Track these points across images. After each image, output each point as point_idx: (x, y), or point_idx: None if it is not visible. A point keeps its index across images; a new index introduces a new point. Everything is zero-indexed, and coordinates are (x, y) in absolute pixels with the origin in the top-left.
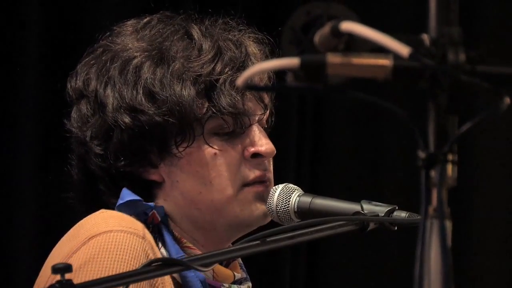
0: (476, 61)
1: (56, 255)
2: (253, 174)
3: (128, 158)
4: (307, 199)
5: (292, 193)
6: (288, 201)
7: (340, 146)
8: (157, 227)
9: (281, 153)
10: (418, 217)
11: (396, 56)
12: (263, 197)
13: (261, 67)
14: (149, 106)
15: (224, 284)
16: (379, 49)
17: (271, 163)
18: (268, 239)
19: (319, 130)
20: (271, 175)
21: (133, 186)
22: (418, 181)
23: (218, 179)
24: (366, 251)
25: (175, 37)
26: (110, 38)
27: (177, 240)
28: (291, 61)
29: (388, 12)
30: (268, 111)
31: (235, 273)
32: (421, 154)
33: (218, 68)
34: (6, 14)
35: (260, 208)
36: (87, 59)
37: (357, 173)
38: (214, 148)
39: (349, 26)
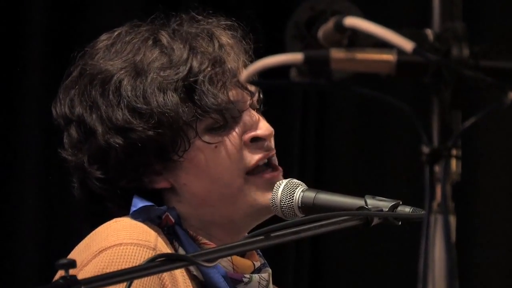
0: (480, 56)
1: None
2: (255, 157)
3: (130, 176)
4: (311, 194)
5: (296, 188)
6: (292, 196)
7: (344, 141)
8: (172, 228)
9: (285, 148)
10: (422, 212)
11: (400, 51)
12: (271, 184)
13: (264, 62)
14: (137, 123)
15: (245, 275)
16: (382, 44)
17: (272, 142)
18: (272, 235)
19: (323, 125)
20: (274, 153)
21: (143, 197)
22: (422, 176)
23: (224, 173)
24: (369, 246)
25: (146, 48)
26: (84, 60)
27: (192, 238)
28: (295, 57)
29: (392, 7)
30: (256, 94)
31: (254, 262)
32: (425, 149)
33: (194, 68)
34: (9, 14)
35: (268, 195)
36: (66, 83)
37: (361, 168)
38: (212, 143)
39: (353, 21)
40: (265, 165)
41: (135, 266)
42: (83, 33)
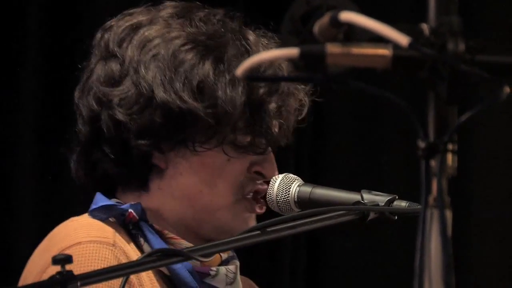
0: (475, 51)
1: (31, 270)
2: (253, 186)
3: (150, 138)
4: (307, 189)
5: (292, 183)
6: (288, 191)
7: (340, 136)
8: (137, 224)
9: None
10: (418, 206)
11: (396, 46)
12: (253, 211)
13: (261, 57)
14: (196, 100)
15: (212, 268)
16: (378, 39)
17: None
18: (268, 229)
19: (319, 120)
20: (266, 187)
21: (139, 163)
22: (418, 171)
23: (223, 185)
24: (366, 241)
25: (233, 40)
26: (150, 9)
27: (159, 233)
28: (291, 51)
29: (388, 2)
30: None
31: (222, 254)
32: (421, 144)
33: (272, 88)
34: (6, 14)
35: (249, 224)
36: (124, 17)
37: (357, 162)
38: (228, 155)
39: (349, 16)
40: (257, 198)
41: (131, 262)
42: (81, 33)
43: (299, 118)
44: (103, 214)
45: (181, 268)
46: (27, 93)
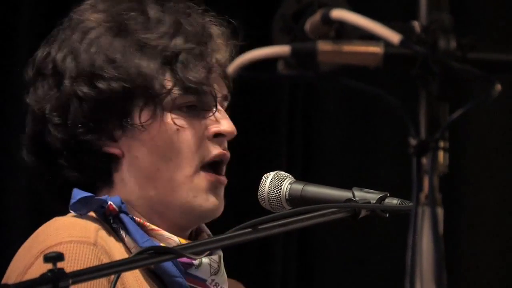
0: (467, 48)
1: (13, 270)
2: (214, 152)
3: (86, 127)
4: (298, 186)
5: (284, 180)
6: (280, 189)
7: (331, 133)
8: (117, 217)
9: (273, 141)
10: (410, 204)
11: (387, 44)
12: (215, 188)
13: (252, 55)
14: (107, 72)
15: (195, 259)
16: (370, 37)
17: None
18: (260, 227)
19: (310, 118)
20: (228, 156)
21: (92, 159)
22: (409, 168)
23: (178, 156)
24: (357, 239)
25: (134, 12)
26: (67, 18)
27: (140, 225)
28: (282, 49)
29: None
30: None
31: None
32: (413, 141)
33: (180, 41)
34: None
35: (211, 199)
36: (45, 43)
37: (348, 160)
38: (177, 125)
39: (340, 13)
40: (216, 166)
41: (123, 259)
42: None
43: (230, 57)
44: (83, 207)
45: None
46: (21, 93)
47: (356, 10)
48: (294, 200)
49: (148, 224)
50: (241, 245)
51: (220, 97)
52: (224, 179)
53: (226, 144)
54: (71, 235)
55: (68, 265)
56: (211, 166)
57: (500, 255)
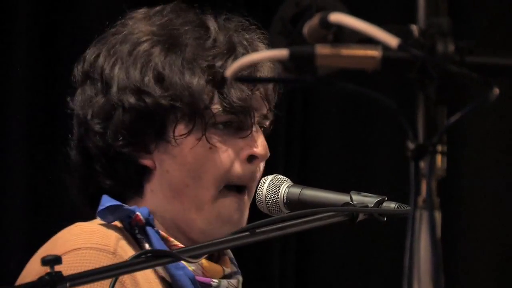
0: (465, 52)
1: (30, 270)
2: (240, 174)
3: (126, 139)
4: (296, 190)
5: (282, 184)
6: (278, 192)
7: (329, 137)
8: (143, 228)
9: (270, 144)
10: (408, 208)
11: (385, 47)
12: (236, 210)
13: (250, 58)
14: (156, 88)
15: (213, 280)
16: (368, 40)
17: (261, 170)
18: (257, 230)
19: (308, 121)
20: (256, 179)
21: (127, 168)
22: (407, 172)
23: (207, 175)
24: (355, 242)
25: (189, 26)
26: (121, 22)
27: (164, 240)
28: (280, 53)
29: (377, 3)
30: (271, 115)
31: (225, 268)
32: (411, 145)
33: (230, 61)
34: None
35: (235, 222)
36: (96, 43)
37: (346, 164)
38: (210, 143)
39: (338, 17)
40: (240, 188)
41: (121, 262)
42: (69, 29)
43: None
44: (110, 215)
45: (182, 275)
46: (19, 93)
47: (354, 14)
48: (292, 203)
49: (172, 239)
50: (239, 247)
51: (259, 117)
52: (246, 198)
53: (261, 166)
54: (91, 242)
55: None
56: (236, 186)
57: (498, 259)
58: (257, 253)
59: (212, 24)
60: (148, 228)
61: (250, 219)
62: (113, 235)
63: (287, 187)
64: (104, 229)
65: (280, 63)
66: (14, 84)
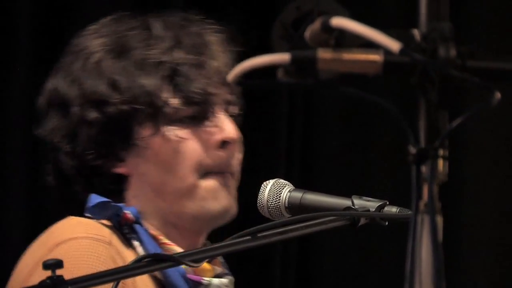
0: (466, 56)
1: (25, 263)
2: (216, 161)
3: (95, 153)
4: (298, 194)
5: (283, 188)
6: (279, 197)
7: (331, 141)
8: (132, 227)
9: (272, 149)
10: (409, 212)
11: (387, 52)
12: (223, 189)
13: (252, 62)
14: (113, 95)
15: (204, 278)
16: (369, 45)
17: (239, 153)
18: (259, 235)
19: (310, 126)
20: (235, 163)
21: (104, 181)
22: (409, 177)
23: (181, 166)
24: (356, 246)
25: (134, 31)
26: (73, 42)
27: (153, 238)
28: (282, 57)
29: (379, 7)
30: (236, 101)
31: (215, 268)
32: (412, 150)
33: (179, 54)
34: None
35: (219, 201)
36: (54, 72)
37: (347, 168)
38: (178, 136)
39: (340, 21)
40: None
41: (122, 266)
42: (71, 31)
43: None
44: (100, 212)
45: (175, 272)
46: (20, 92)
47: (356, 18)
48: (293, 208)
49: (161, 238)
50: (240, 252)
51: (222, 103)
52: (230, 177)
53: (232, 152)
54: (87, 232)
55: (82, 260)
56: (216, 172)
57: (499, 263)
58: (259, 255)
59: (155, 24)
60: (137, 226)
61: (251, 224)
62: (106, 228)
63: (289, 191)
64: (97, 223)
65: (282, 67)
66: (15, 83)
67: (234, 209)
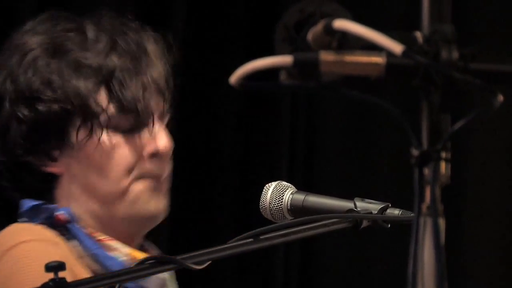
0: (469, 59)
1: None
2: (147, 170)
3: (25, 148)
4: (300, 196)
5: (285, 190)
6: (281, 199)
7: (333, 143)
8: (66, 227)
9: (274, 151)
10: (412, 214)
11: (389, 54)
12: (154, 191)
13: (254, 65)
14: (47, 93)
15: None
16: (372, 47)
17: (170, 161)
18: (261, 237)
19: (312, 128)
20: (166, 169)
21: (34, 178)
22: (411, 179)
23: (114, 172)
24: (358, 249)
25: (70, 32)
26: (10, 39)
27: (89, 236)
28: (284, 59)
29: (381, 10)
30: (169, 110)
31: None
32: (415, 152)
33: (115, 58)
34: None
35: (151, 203)
36: None
37: (350, 170)
38: (112, 143)
39: (342, 23)
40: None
41: (125, 269)
42: None
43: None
44: (35, 214)
45: (114, 266)
46: None
47: (359, 21)
48: (296, 210)
49: (95, 234)
50: (242, 254)
51: (158, 114)
52: (160, 180)
53: (168, 159)
54: (33, 234)
55: (36, 260)
56: (147, 177)
57: (503, 265)
58: (261, 257)
59: (90, 28)
60: (72, 226)
61: (254, 226)
62: (48, 230)
63: (291, 193)
64: (38, 227)
65: (284, 69)
66: None
67: (165, 212)
